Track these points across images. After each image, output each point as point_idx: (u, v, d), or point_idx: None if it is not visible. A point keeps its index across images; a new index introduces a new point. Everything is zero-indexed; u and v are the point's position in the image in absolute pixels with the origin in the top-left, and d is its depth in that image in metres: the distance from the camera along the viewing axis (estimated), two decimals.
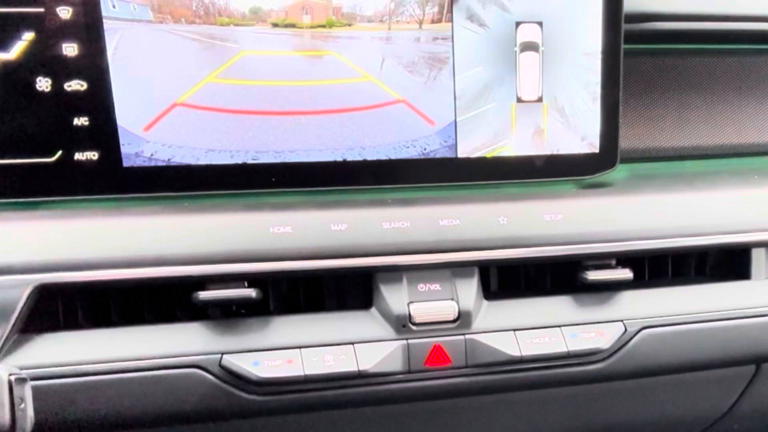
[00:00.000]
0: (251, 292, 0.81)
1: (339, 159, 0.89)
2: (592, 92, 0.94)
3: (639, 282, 0.95)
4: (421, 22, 0.88)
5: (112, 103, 0.82)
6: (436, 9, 0.88)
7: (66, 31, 0.80)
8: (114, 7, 0.80)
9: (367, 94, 0.88)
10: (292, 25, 0.85)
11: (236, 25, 0.84)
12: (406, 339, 0.85)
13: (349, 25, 0.86)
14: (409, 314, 0.85)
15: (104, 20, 0.80)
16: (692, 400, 1.04)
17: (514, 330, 0.88)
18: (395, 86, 0.88)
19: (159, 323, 0.82)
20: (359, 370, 0.83)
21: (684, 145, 1.08)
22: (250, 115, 0.85)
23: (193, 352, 0.80)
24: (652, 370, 0.94)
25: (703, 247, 0.96)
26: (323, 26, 0.86)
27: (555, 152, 0.95)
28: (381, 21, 0.87)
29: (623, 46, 0.94)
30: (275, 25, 0.85)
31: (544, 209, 0.91)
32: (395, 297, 0.86)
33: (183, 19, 0.82)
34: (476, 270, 0.89)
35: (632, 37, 0.97)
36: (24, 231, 0.79)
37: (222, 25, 0.83)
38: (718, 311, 0.95)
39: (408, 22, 0.88)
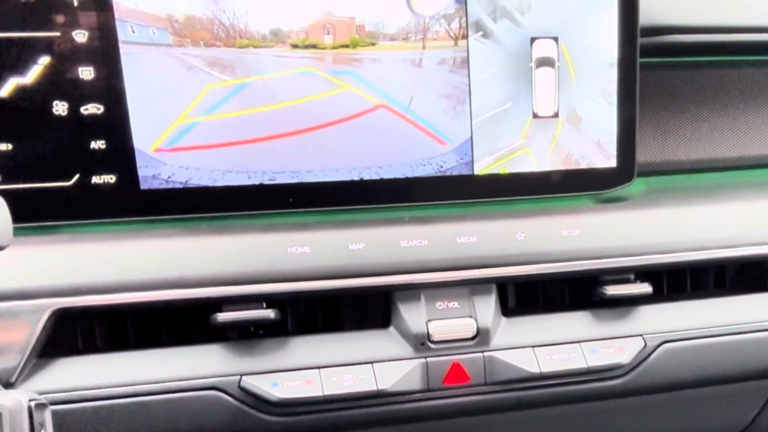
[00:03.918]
0: (270, 313, 0.81)
1: (356, 178, 0.88)
2: (609, 106, 0.94)
3: (658, 296, 0.95)
4: (448, 39, 0.88)
5: (129, 126, 0.82)
6: (451, 27, 0.88)
7: (82, 55, 0.80)
8: (133, 31, 0.80)
9: (384, 111, 0.88)
10: (313, 46, 0.85)
11: (255, 47, 0.83)
12: (425, 357, 0.85)
13: (373, 44, 0.86)
14: (428, 332, 0.85)
15: (121, 44, 0.80)
16: (712, 414, 1.03)
17: (533, 346, 0.88)
18: (411, 104, 0.88)
19: (177, 345, 0.82)
20: (378, 390, 0.82)
21: (701, 157, 1.07)
22: (264, 141, 0.85)
23: (212, 374, 0.80)
24: (672, 385, 0.94)
25: (722, 260, 0.96)
26: (346, 46, 0.86)
27: (572, 167, 0.94)
28: (404, 39, 0.87)
29: (639, 60, 0.93)
30: (295, 46, 0.85)
31: (561, 225, 0.91)
32: (413, 315, 0.85)
33: (202, 42, 0.82)
34: (494, 287, 0.89)
35: (648, 51, 0.97)
36: (42, 255, 0.79)
37: (241, 47, 0.83)
38: (738, 324, 0.94)
39: (429, 40, 0.88)
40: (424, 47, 0.88)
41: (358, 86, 0.87)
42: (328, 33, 0.85)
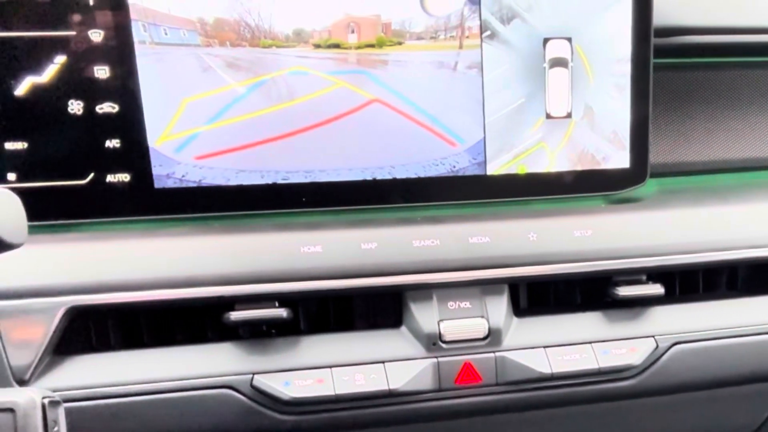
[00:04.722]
0: (282, 312, 0.81)
1: (368, 178, 0.88)
2: (622, 107, 0.94)
3: (670, 297, 0.94)
4: (461, 40, 0.88)
5: (144, 125, 0.82)
6: (464, 28, 0.88)
7: (97, 54, 0.80)
8: (166, 33, 0.81)
9: (397, 110, 0.88)
10: (336, 46, 0.85)
11: (278, 47, 0.84)
12: (437, 357, 0.85)
13: (400, 43, 0.87)
14: (440, 332, 0.85)
15: (136, 44, 0.81)
16: (724, 416, 1.03)
17: (545, 347, 0.88)
18: (424, 104, 0.88)
19: (190, 344, 0.82)
20: (390, 389, 0.83)
21: (714, 158, 1.07)
22: (276, 141, 0.86)
23: (224, 372, 0.80)
24: (684, 386, 0.93)
25: (734, 261, 0.95)
26: (372, 45, 0.86)
27: (584, 168, 0.94)
28: (424, 39, 0.87)
29: (653, 60, 0.93)
30: (317, 46, 0.85)
31: (573, 225, 0.90)
32: (425, 315, 0.85)
33: (228, 43, 0.82)
34: (506, 287, 0.89)
35: (661, 51, 0.96)
36: (56, 253, 0.80)
37: (264, 47, 0.83)
38: (750, 326, 0.94)
39: (441, 40, 0.88)
40: (443, 47, 0.88)
41: (362, 83, 0.87)
42: (353, 32, 0.85)
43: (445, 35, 0.88)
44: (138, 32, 0.80)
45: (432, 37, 0.87)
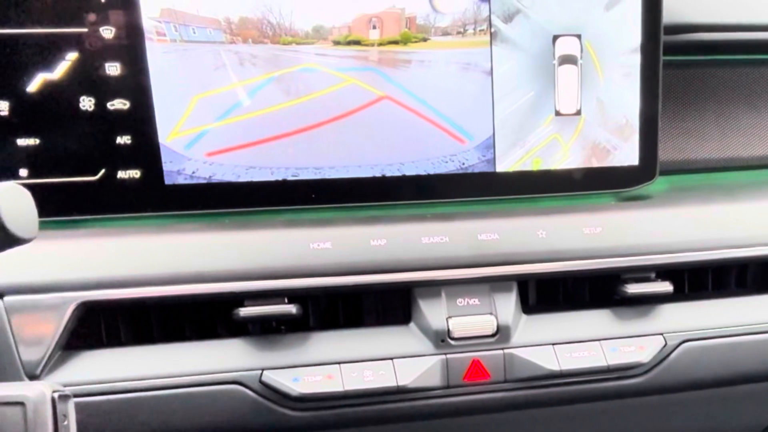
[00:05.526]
0: (291, 308, 0.81)
1: (378, 174, 0.89)
2: (631, 104, 0.93)
3: (679, 295, 0.94)
4: (470, 37, 0.88)
5: (154, 122, 0.82)
6: (472, 24, 0.88)
7: (109, 51, 0.81)
8: (194, 32, 0.82)
9: (407, 107, 0.88)
10: (357, 42, 0.85)
11: (298, 44, 0.84)
12: (445, 354, 0.85)
13: (425, 39, 0.87)
14: (448, 329, 0.85)
15: (147, 41, 0.81)
16: (732, 414, 1.03)
17: (553, 344, 0.87)
18: (433, 101, 0.88)
19: (200, 340, 0.83)
20: (398, 386, 0.83)
21: (723, 156, 1.07)
22: (287, 137, 0.86)
23: (233, 368, 0.80)
24: (692, 384, 0.93)
25: (743, 259, 0.95)
26: (396, 42, 0.86)
27: (594, 165, 0.94)
28: (458, 33, 0.88)
29: (662, 58, 0.93)
30: (337, 42, 0.85)
31: (582, 222, 0.90)
32: (434, 312, 0.85)
33: (251, 40, 0.83)
34: (515, 284, 0.88)
35: (671, 49, 0.96)
36: (67, 249, 0.80)
37: (285, 44, 0.84)
38: (760, 324, 0.94)
39: (451, 36, 0.88)
40: (471, 44, 0.88)
41: (372, 80, 0.87)
42: (374, 27, 0.85)
43: (474, 30, 0.88)
44: (170, 31, 0.81)
45: (459, 32, 0.87)
